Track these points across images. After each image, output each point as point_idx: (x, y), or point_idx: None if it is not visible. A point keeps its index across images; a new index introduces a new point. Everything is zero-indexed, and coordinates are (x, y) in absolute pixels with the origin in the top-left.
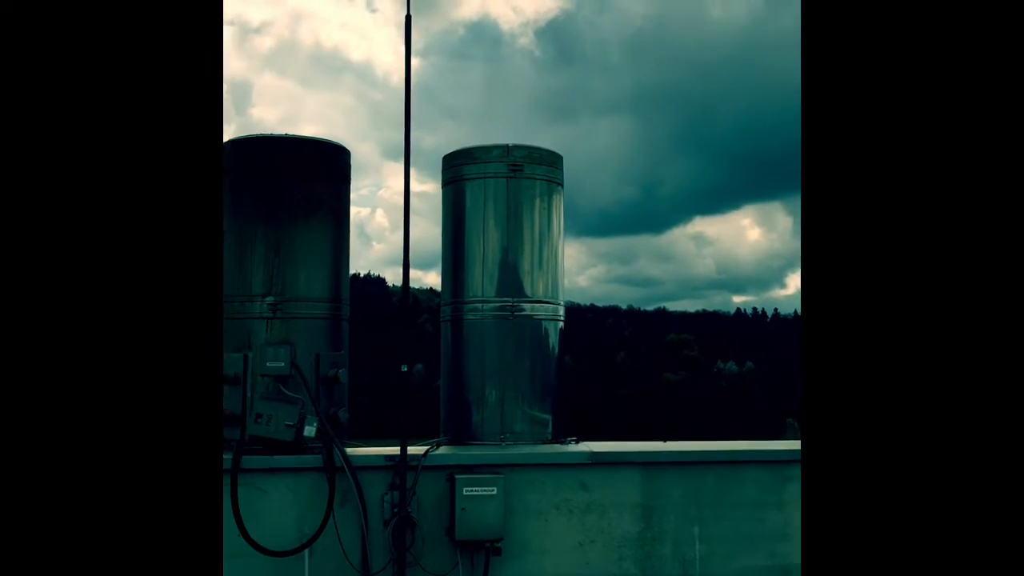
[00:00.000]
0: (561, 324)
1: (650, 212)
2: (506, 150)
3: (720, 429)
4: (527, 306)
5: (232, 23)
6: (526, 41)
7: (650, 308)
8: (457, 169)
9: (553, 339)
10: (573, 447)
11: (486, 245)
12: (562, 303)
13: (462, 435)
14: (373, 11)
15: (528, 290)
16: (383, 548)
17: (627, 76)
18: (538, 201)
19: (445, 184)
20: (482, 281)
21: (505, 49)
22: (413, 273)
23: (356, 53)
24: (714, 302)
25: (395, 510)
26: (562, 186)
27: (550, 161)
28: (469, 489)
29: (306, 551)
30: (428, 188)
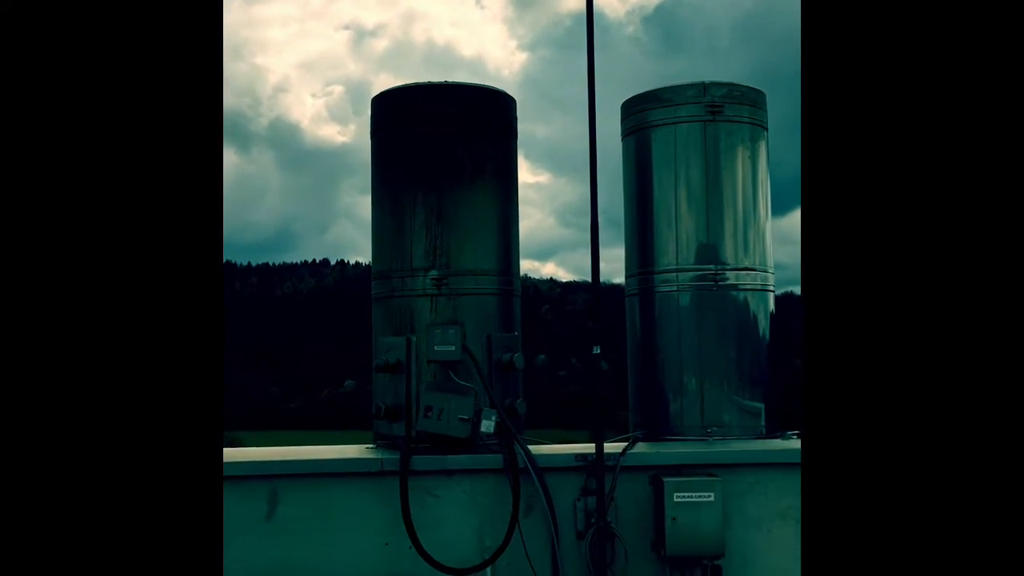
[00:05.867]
0: (772, 297)
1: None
2: (702, 88)
3: None
4: (731, 275)
5: (348, 27)
6: (633, 29)
7: None
8: (640, 115)
9: (763, 315)
10: (795, 443)
11: (678, 204)
12: (772, 271)
13: (656, 427)
14: (482, 8)
15: (731, 257)
16: (578, 564)
17: (738, 60)
18: (741, 149)
19: (626, 135)
20: (676, 247)
21: (612, 37)
22: (528, 264)
23: (467, 49)
24: None
25: (591, 520)
26: (766, 130)
27: (753, 100)
28: (681, 495)
29: (488, 568)
30: (542, 179)
